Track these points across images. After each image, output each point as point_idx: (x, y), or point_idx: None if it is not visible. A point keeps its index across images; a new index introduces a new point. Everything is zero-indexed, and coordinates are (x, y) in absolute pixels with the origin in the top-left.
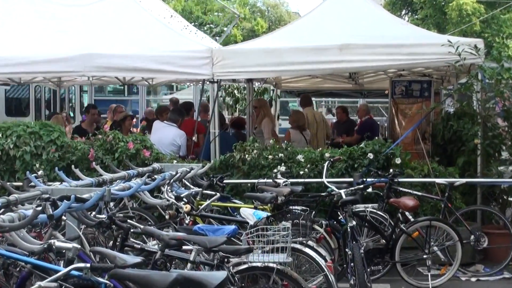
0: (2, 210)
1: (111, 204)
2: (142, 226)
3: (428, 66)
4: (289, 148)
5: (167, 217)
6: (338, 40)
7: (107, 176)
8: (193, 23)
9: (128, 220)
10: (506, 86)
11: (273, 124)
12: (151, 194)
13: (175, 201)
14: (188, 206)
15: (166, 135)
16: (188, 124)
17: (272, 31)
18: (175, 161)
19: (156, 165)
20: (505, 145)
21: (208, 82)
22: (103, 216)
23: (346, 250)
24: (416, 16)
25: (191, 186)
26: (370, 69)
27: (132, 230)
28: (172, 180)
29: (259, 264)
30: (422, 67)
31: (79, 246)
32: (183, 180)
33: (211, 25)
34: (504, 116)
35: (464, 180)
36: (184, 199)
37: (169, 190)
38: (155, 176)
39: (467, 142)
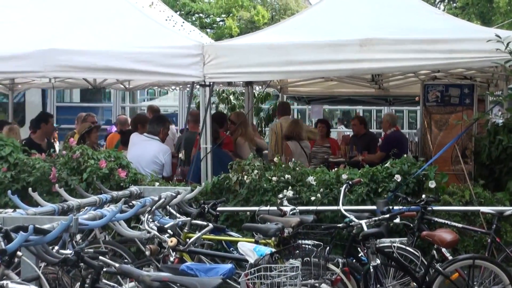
0: None
1: (78, 236)
2: (117, 265)
3: (470, 67)
4: (297, 168)
5: (147, 253)
6: (358, 34)
7: (73, 201)
8: (178, 12)
9: (100, 257)
10: None
11: (253, 145)
12: (128, 224)
13: (157, 233)
14: (174, 240)
15: (146, 151)
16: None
17: (276, 22)
18: (157, 184)
19: (134, 188)
20: None
21: (198, 86)
22: (68, 251)
23: None
24: (455, 5)
25: (178, 215)
26: (398, 70)
27: (104, 269)
28: (154, 207)
29: None
30: (463, 68)
31: None
32: (168, 207)
33: (201, 15)
34: None
35: None
36: (169, 230)
37: (150, 220)
38: (133, 202)
39: None
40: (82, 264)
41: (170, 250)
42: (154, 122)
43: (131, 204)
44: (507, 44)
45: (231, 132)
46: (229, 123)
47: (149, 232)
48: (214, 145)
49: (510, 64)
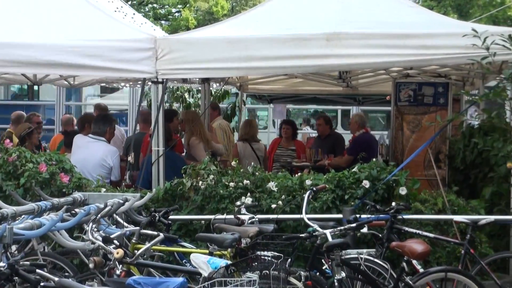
0: None
1: (14, 247)
2: (56, 278)
3: (444, 64)
4: (257, 173)
5: (91, 265)
6: (324, 28)
7: (7, 209)
8: (130, 2)
9: (37, 270)
10: None
11: (209, 147)
12: (70, 234)
13: (102, 244)
14: (121, 251)
15: (92, 154)
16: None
17: (237, 14)
18: (103, 190)
19: (77, 195)
20: None
21: (150, 83)
22: (2, 264)
23: None
24: None
25: (125, 224)
26: (367, 67)
27: (42, 284)
28: (99, 215)
29: None
30: (437, 65)
31: None
32: (115, 215)
33: (155, 5)
34: None
35: (492, 218)
36: (115, 241)
37: (95, 229)
38: (76, 210)
39: (496, 166)
40: (16, 278)
41: (116, 262)
42: (100, 122)
43: (73, 212)
44: (484, 40)
45: (183, 132)
46: (180, 122)
47: (93, 242)
48: (167, 148)
49: (487, 61)
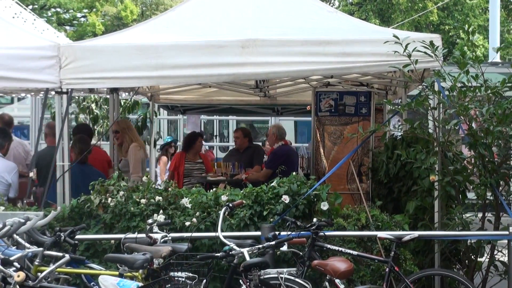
0: None
1: None
2: None
3: (365, 72)
4: (170, 189)
5: None
6: (239, 34)
7: None
8: (31, 7)
9: None
10: (472, 101)
11: (145, 153)
12: None
13: (1, 267)
14: (22, 274)
15: None
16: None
17: (147, 19)
18: (1, 208)
19: None
20: (472, 183)
21: (53, 93)
22: None
23: None
24: (351, 0)
25: (27, 245)
26: (285, 76)
27: None
28: None
29: None
30: (358, 73)
31: None
32: (15, 235)
33: (59, 10)
34: (470, 143)
35: (416, 234)
36: (16, 263)
37: None
38: None
39: (420, 179)
40: None
41: (17, 286)
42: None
43: None
44: (406, 46)
45: (120, 143)
46: (114, 133)
47: None
48: (73, 162)
49: (408, 68)
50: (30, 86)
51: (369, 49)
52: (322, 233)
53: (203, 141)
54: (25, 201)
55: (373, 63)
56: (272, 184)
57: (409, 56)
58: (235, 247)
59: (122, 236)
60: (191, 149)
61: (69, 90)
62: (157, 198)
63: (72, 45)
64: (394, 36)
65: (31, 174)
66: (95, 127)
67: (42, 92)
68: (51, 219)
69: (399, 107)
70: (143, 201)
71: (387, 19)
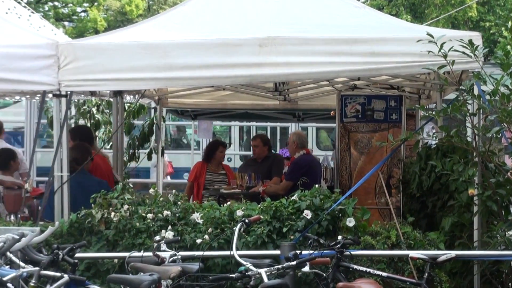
0: None
1: None
2: None
3: (396, 74)
4: (179, 202)
5: None
6: (257, 31)
7: None
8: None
9: None
10: None
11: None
12: None
13: None
14: None
15: None
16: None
17: (154, 14)
18: None
19: None
20: None
21: (51, 96)
22: None
23: None
24: None
25: (22, 264)
26: (307, 77)
27: None
28: None
29: None
30: (388, 75)
31: None
32: (8, 253)
33: (56, 3)
34: None
35: (453, 253)
36: (9, 284)
37: None
38: None
39: (457, 192)
40: None
41: None
42: None
43: None
44: (441, 46)
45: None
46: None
47: None
48: (73, 173)
49: (444, 70)
50: (25, 89)
51: (400, 48)
52: (347, 252)
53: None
54: (19, 215)
55: (404, 64)
56: (292, 198)
57: (445, 56)
58: (251, 267)
59: (126, 254)
60: (213, 159)
61: (68, 92)
62: (165, 212)
63: (72, 43)
64: (428, 34)
65: (26, 185)
66: (96, 134)
67: (39, 95)
68: (48, 236)
69: (434, 113)
70: (149, 216)
71: (420, 15)
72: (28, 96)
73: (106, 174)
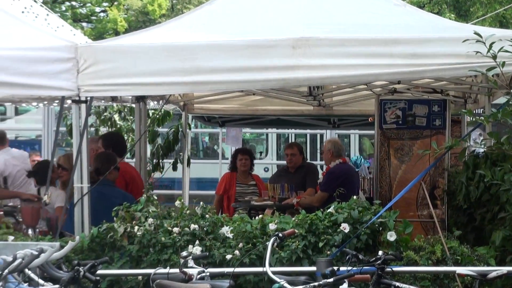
0: None
1: None
2: None
3: (440, 76)
4: (207, 215)
5: None
6: (290, 32)
7: None
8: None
9: None
10: None
11: None
12: None
13: None
14: None
15: None
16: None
17: (178, 14)
18: (11, 238)
19: None
20: None
21: (70, 101)
22: None
23: None
24: None
25: (40, 281)
26: (343, 81)
27: None
28: (6, 271)
29: None
30: (431, 78)
31: None
32: (26, 270)
33: (74, 3)
34: None
35: (504, 270)
36: None
37: None
38: None
39: (508, 204)
40: None
41: None
42: None
43: None
44: (490, 46)
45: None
46: (59, 170)
47: None
48: (95, 184)
49: (493, 72)
50: (43, 94)
51: (445, 49)
52: (389, 269)
53: (250, 158)
54: (37, 230)
55: (449, 66)
56: (329, 210)
57: (494, 57)
58: (286, 284)
59: (151, 271)
60: (238, 169)
61: (88, 98)
62: (193, 226)
63: (92, 45)
64: (475, 33)
65: (45, 198)
66: None
67: (57, 101)
68: (68, 251)
69: (482, 118)
70: (175, 230)
71: (464, 13)
72: (46, 102)
73: (142, 190)
